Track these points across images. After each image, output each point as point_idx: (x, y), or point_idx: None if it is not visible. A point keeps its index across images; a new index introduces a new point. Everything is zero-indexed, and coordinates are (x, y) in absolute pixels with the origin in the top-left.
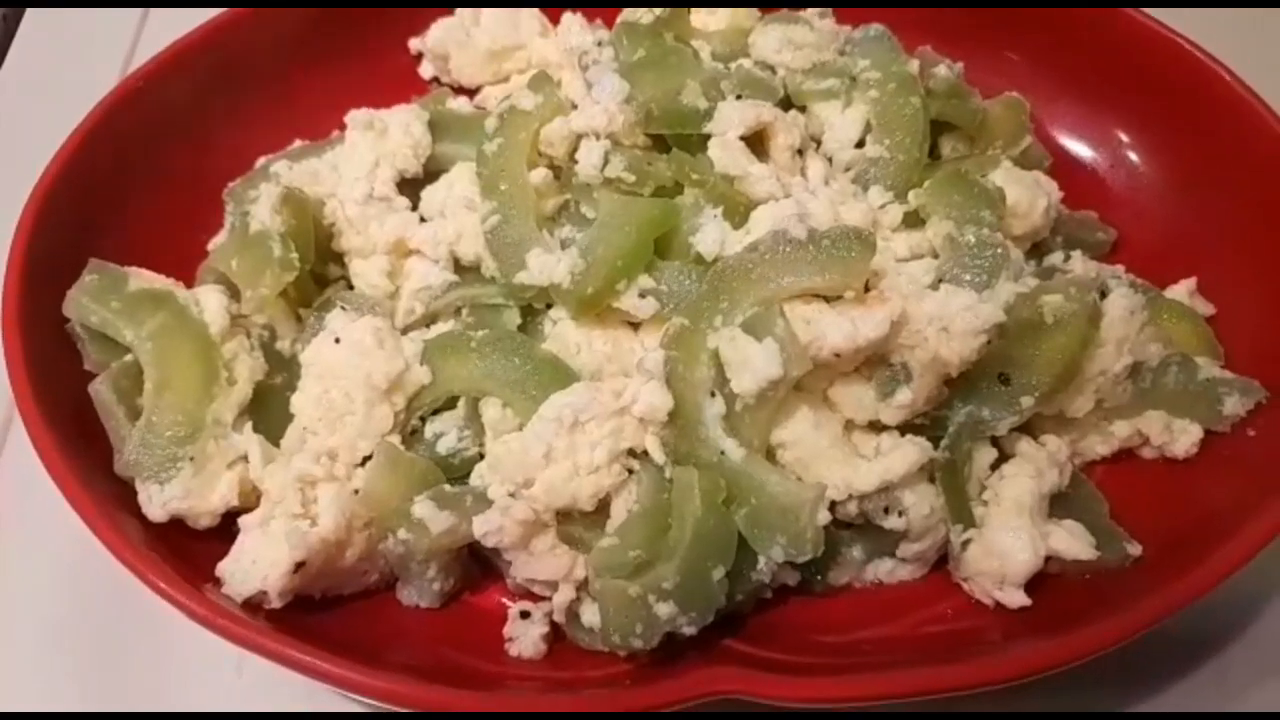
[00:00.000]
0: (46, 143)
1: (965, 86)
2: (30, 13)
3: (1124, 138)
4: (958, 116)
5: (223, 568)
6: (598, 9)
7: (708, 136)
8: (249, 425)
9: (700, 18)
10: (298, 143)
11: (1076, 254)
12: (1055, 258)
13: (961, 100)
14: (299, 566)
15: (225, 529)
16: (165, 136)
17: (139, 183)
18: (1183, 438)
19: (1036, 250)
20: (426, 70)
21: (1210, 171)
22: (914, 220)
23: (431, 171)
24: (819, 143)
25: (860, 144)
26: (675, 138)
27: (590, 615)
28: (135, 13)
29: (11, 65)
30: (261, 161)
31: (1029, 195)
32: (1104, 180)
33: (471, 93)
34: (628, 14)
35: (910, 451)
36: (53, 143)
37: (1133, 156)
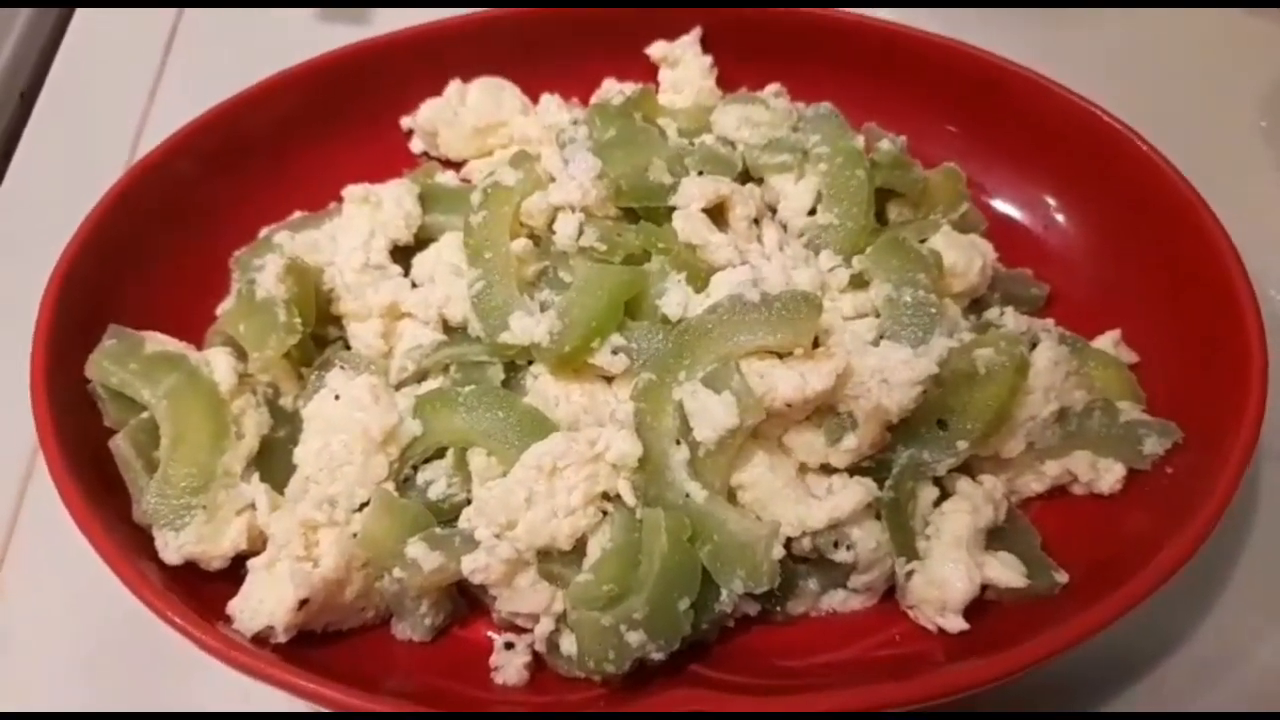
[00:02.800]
0: (67, 219)
1: (907, 158)
2: (44, 94)
3: (1052, 202)
4: (901, 185)
5: (233, 606)
6: (576, 88)
7: (673, 208)
8: (256, 475)
9: (667, 96)
10: (298, 214)
11: (1009, 310)
12: (992, 313)
13: (904, 171)
14: (302, 604)
15: (235, 571)
16: (176, 210)
17: (153, 253)
18: (1107, 475)
19: (976, 305)
20: (416, 145)
21: (1130, 231)
22: (859, 282)
23: (422, 240)
24: (775, 211)
25: (812, 212)
26: (643, 210)
27: (568, 644)
28: (141, 97)
29: (30, 143)
30: (265, 231)
31: (966, 256)
32: (1037, 241)
33: (458, 165)
34: (600, 95)
35: (857, 491)
36: (72, 218)
37: (1061, 219)
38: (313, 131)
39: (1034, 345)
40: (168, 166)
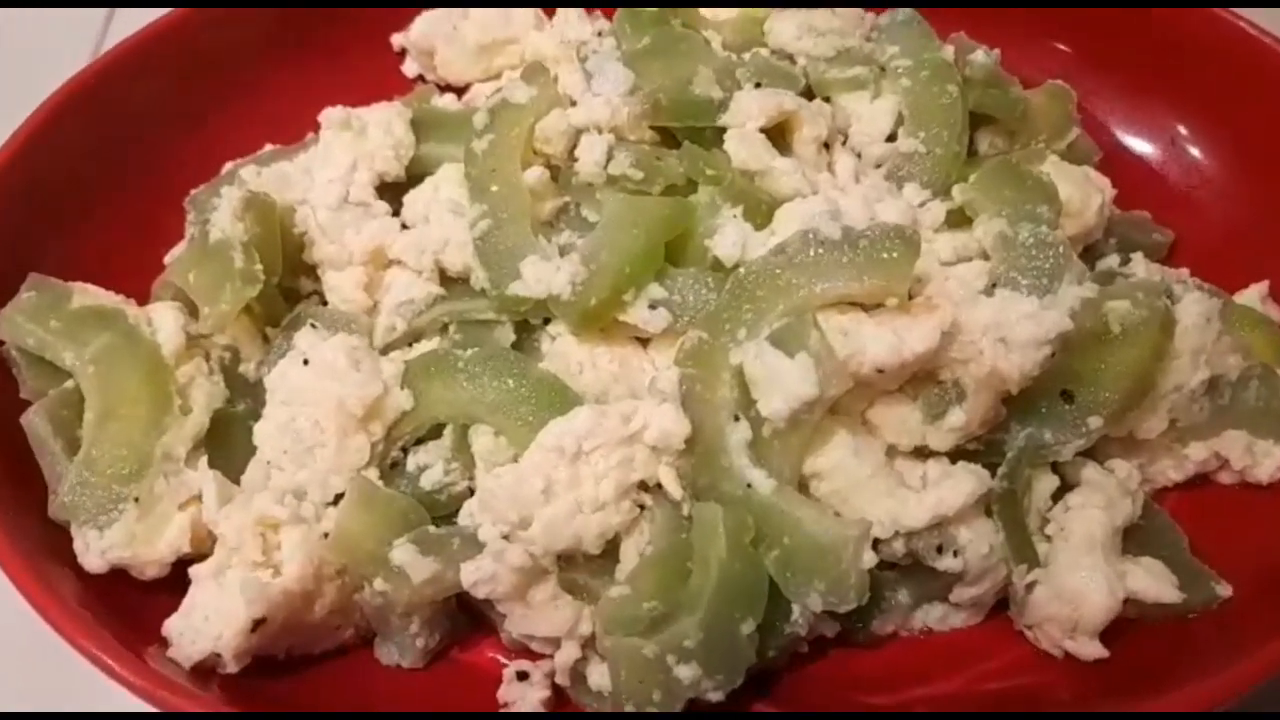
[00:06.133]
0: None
1: (1004, 75)
2: None
3: (1181, 129)
4: (997, 107)
5: (170, 626)
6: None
7: (723, 130)
8: (204, 460)
9: (709, 11)
10: (269, 147)
11: (1138, 256)
12: (1110, 261)
13: (1001, 90)
14: (258, 624)
15: (176, 580)
16: (121, 139)
17: (90, 190)
18: (1266, 460)
19: (1088, 254)
20: (410, 68)
21: (1277, 165)
22: (958, 219)
23: (415, 175)
24: (845, 137)
25: (892, 138)
26: (686, 131)
27: (599, 677)
28: (99, 13)
29: None
30: (228, 167)
31: (1081, 192)
32: (1158, 176)
33: (459, 91)
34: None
35: (966, 481)
36: None
37: (1191, 150)
38: (288, 51)
39: (1171, 299)
40: (113, 86)
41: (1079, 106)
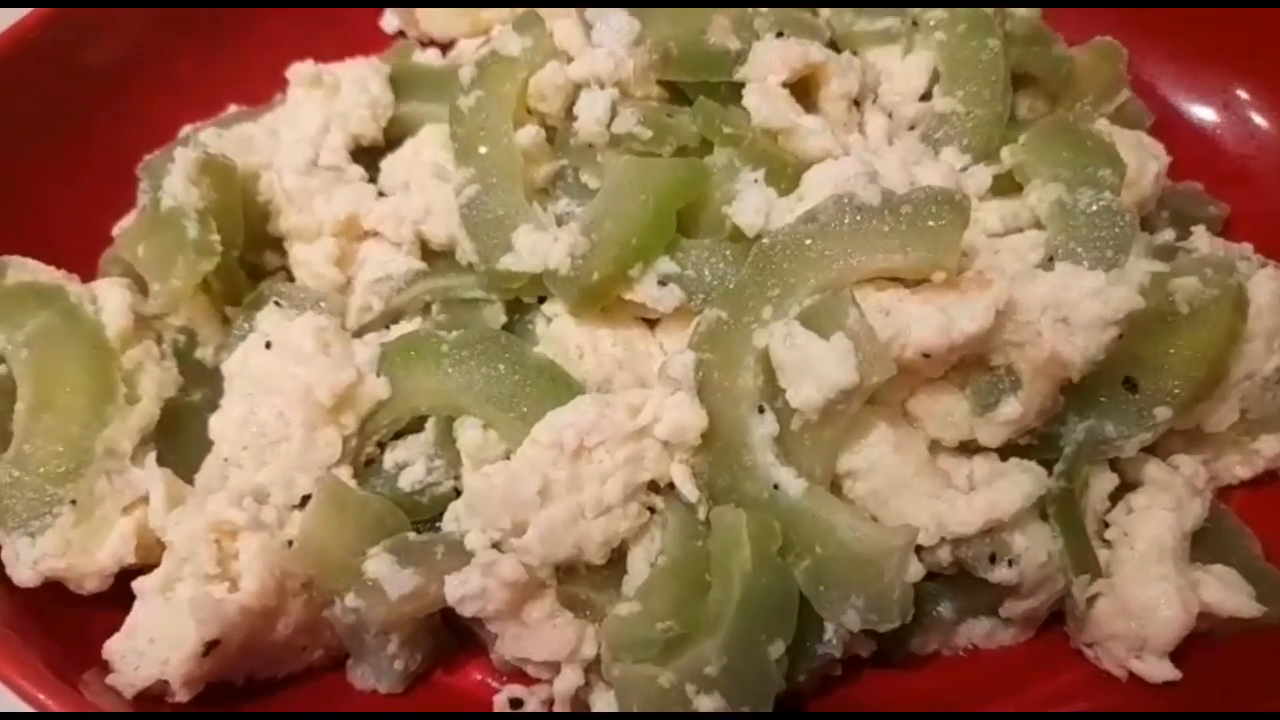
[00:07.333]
0: None
1: (1047, 30)
2: None
3: (1239, 93)
4: (1039, 66)
5: (111, 648)
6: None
7: (739, 86)
8: (152, 457)
9: None
10: (233, 108)
11: (1199, 229)
12: (1165, 235)
13: (1044, 46)
14: (211, 647)
15: (119, 594)
16: (68, 99)
17: (31, 154)
18: None
19: (1141, 228)
20: (390, 23)
21: None
22: (1004, 186)
23: (394, 138)
24: (875, 96)
25: (926, 97)
26: (699, 86)
27: (606, 707)
28: None
29: None
30: (186, 130)
31: (1137, 158)
32: (1212, 143)
33: (444, 48)
34: None
35: (1022, 481)
36: None
37: (1250, 115)
38: (255, 6)
39: None
40: (53, 42)
41: (1128, 65)
